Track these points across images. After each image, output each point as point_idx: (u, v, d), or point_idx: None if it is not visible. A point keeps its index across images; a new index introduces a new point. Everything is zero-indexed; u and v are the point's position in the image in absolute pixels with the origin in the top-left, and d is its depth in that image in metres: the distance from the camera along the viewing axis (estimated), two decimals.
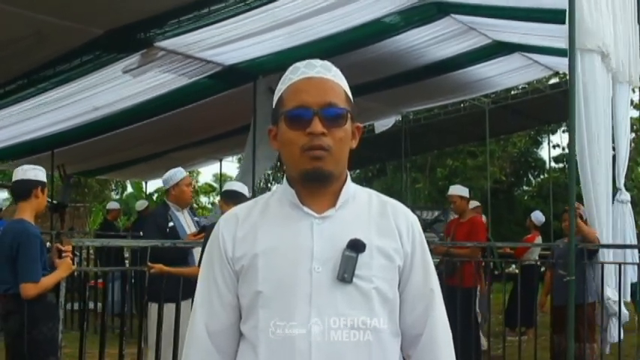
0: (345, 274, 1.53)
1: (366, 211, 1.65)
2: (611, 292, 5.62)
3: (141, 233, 5.60)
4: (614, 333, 5.67)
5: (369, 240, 1.58)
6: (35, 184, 4.29)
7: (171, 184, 5.56)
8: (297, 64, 1.66)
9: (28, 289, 4.04)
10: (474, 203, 8.52)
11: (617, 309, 5.59)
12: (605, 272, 5.62)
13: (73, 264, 4.42)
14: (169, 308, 4.93)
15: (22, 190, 4.29)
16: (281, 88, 1.66)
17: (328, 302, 1.53)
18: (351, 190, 1.67)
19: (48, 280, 4.15)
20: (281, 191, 1.68)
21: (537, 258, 9.81)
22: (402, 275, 1.64)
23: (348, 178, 1.67)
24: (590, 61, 5.49)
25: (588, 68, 5.49)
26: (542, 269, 6.97)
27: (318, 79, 1.61)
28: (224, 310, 1.63)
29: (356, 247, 1.55)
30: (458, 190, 7.41)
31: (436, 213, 15.02)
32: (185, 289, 4.76)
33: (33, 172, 4.34)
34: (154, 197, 22.97)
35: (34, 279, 4.05)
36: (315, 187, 1.61)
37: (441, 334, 1.68)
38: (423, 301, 1.66)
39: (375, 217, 1.64)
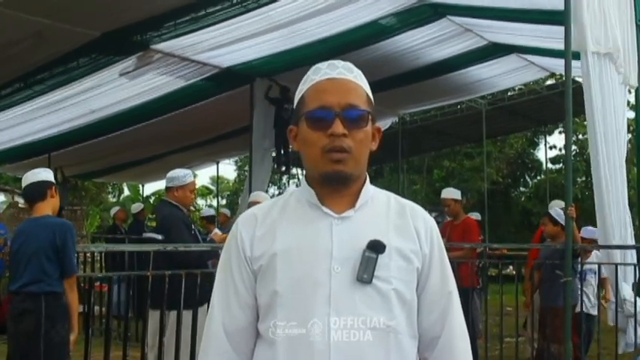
0: (365, 274, 1.53)
1: (385, 212, 1.65)
2: (627, 294, 5.65)
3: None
4: (631, 334, 5.67)
5: (387, 241, 1.57)
6: (49, 184, 4.39)
7: (177, 184, 5.23)
8: (319, 64, 1.65)
9: (74, 282, 4.23)
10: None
11: (632, 310, 5.61)
12: (622, 274, 5.69)
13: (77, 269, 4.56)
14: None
15: (37, 192, 4.34)
16: (302, 88, 1.65)
17: (347, 302, 1.52)
18: (370, 191, 1.67)
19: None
20: (300, 191, 1.68)
21: None
22: (420, 277, 1.63)
23: (367, 179, 1.67)
24: (592, 62, 5.59)
25: (592, 68, 5.58)
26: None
27: (340, 80, 1.61)
28: (241, 309, 1.62)
29: (376, 247, 1.55)
30: (451, 193, 7.45)
31: (433, 215, 15.01)
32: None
33: (45, 173, 4.44)
34: (151, 200, 22.90)
35: (76, 271, 4.28)
36: (335, 188, 1.61)
37: (459, 337, 1.67)
38: (440, 304, 1.65)
39: (394, 218, 1.64)
